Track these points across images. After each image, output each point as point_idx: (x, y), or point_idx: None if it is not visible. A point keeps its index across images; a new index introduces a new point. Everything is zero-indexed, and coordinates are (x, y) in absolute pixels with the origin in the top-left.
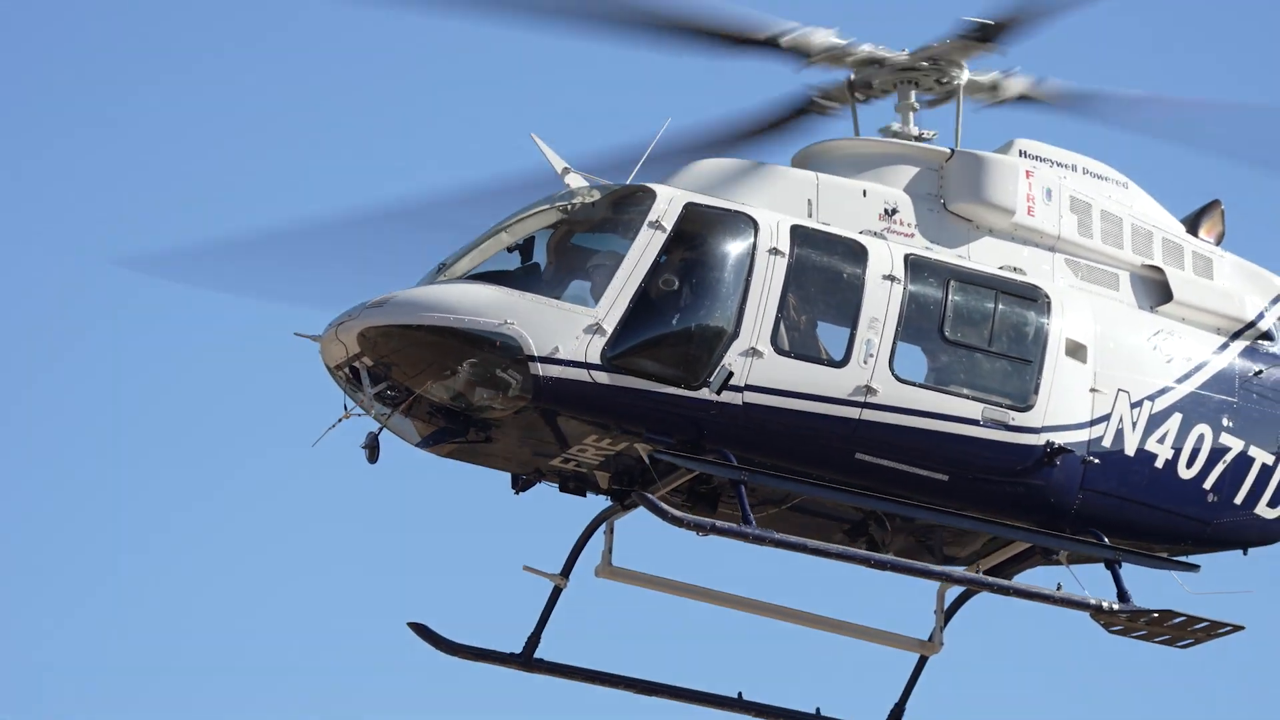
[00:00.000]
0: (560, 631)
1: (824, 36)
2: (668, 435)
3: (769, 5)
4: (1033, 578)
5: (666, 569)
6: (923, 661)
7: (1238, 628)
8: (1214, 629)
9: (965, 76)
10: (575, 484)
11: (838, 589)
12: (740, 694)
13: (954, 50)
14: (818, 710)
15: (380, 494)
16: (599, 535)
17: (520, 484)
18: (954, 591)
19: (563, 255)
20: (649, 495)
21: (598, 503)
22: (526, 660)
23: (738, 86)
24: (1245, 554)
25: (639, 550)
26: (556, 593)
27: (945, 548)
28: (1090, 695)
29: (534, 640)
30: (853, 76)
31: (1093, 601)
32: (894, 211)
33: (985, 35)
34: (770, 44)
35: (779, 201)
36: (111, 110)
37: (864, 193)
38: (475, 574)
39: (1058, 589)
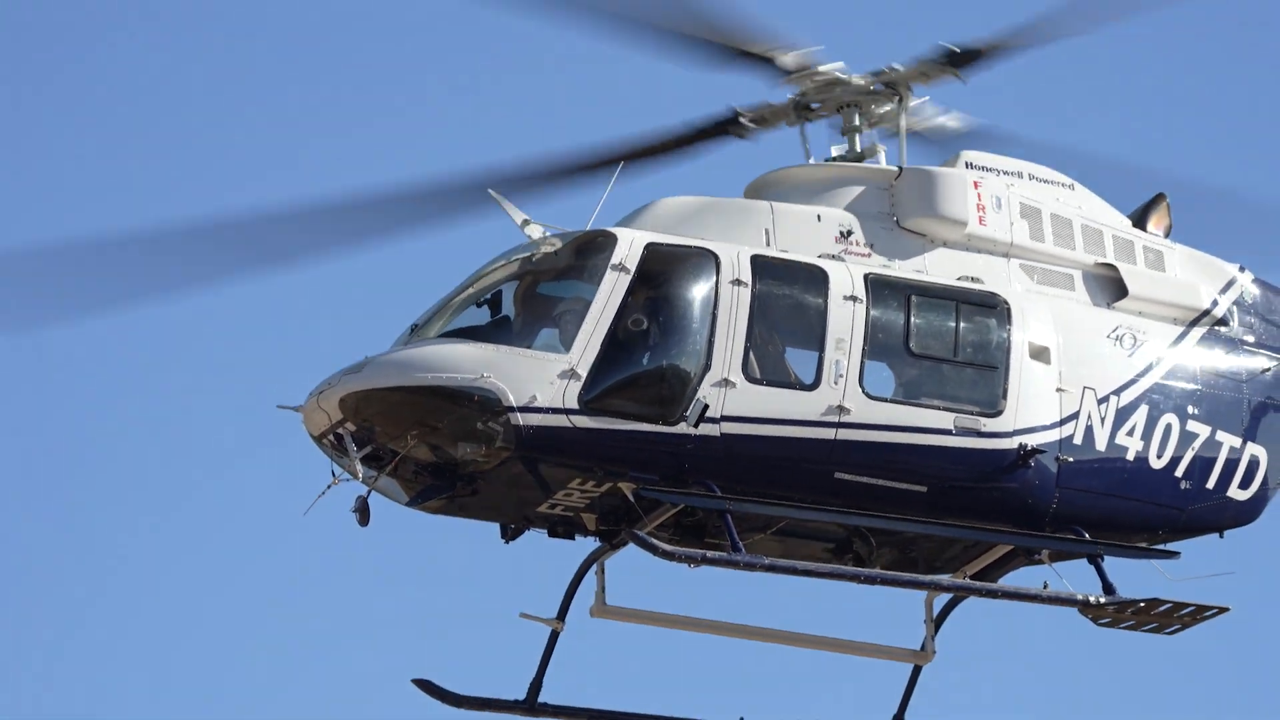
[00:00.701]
0: (562, 674)
1: (798, 54)
2: (650, 472)
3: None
4: (1019, 578)
5: (659, 603)
6: (917, 671)
7: (1223, 609)
8: (1200, 612)
9: (913, 100)
10: (564, 528)
11: (828, 606)
12: (742, 718)
13: (916, 74)
14: None
15: (374, 555)
16: (591, 576)
17: (509, 533)
18: (942, 599)
19: (531, 305)
20: (638, 533)
21: (587, 545)
22: (531, 705)
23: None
24: (1222, 537)
25: (630, 587)
26: (554, 636)
27: (930, 556)
28: (1085, 688)
29: (536, 685)
30: (802, 97)
31: (1079, 597)
32: (849, 233)
33: (954, 62)
34: (747, 56)
35: (737, 234)
36: None
37: (818, 217)
38: (473, 625)
39: (1044, 588)
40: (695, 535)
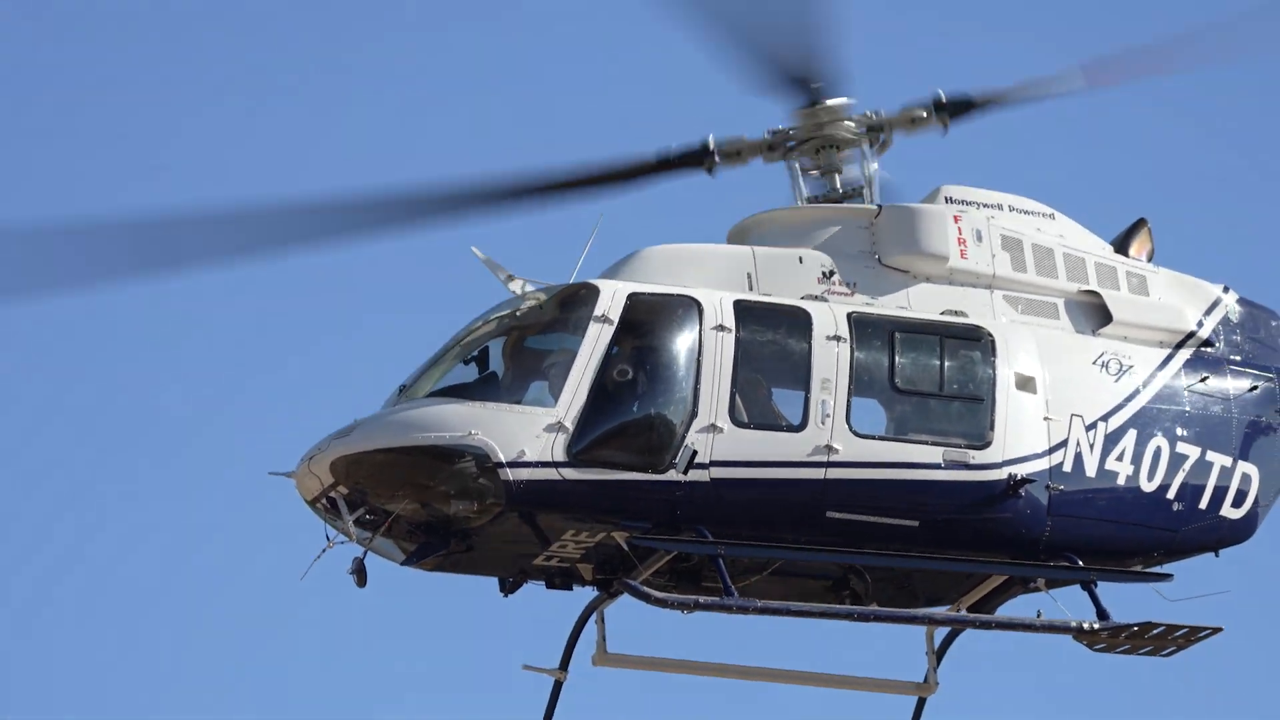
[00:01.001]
0: None
1: (710, 141)
2: (643, 520)
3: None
4: (1017, 605)
5: (663, 648)
6: (921, 703)
7: (1216, 630)
8: (1193, 634)
9: (857, 129)
10: (561, 579)
11: (831, 643)
12: None
13: (905, 121)
14: None
15: (375, 616)
16: (591, 625)
17: (508, 586)
18: (942, 630)
19: (518, 360)
20: (631, 582)
21: (586, 594)
22: None
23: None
24: (1217, 555)
25: (633, 633)
26: (558, 686)
27: (928, 588)
28: (1090, 711)
29: None
30: (788, 132)
31: (1073, 624)
32: (832, 273)
33: (947, 110)
34: (666, 164)
35: (720, 279)
36: None
37: (800, 259)
38: (477, 679)
39: (1038, 616)
40: (691, 580)
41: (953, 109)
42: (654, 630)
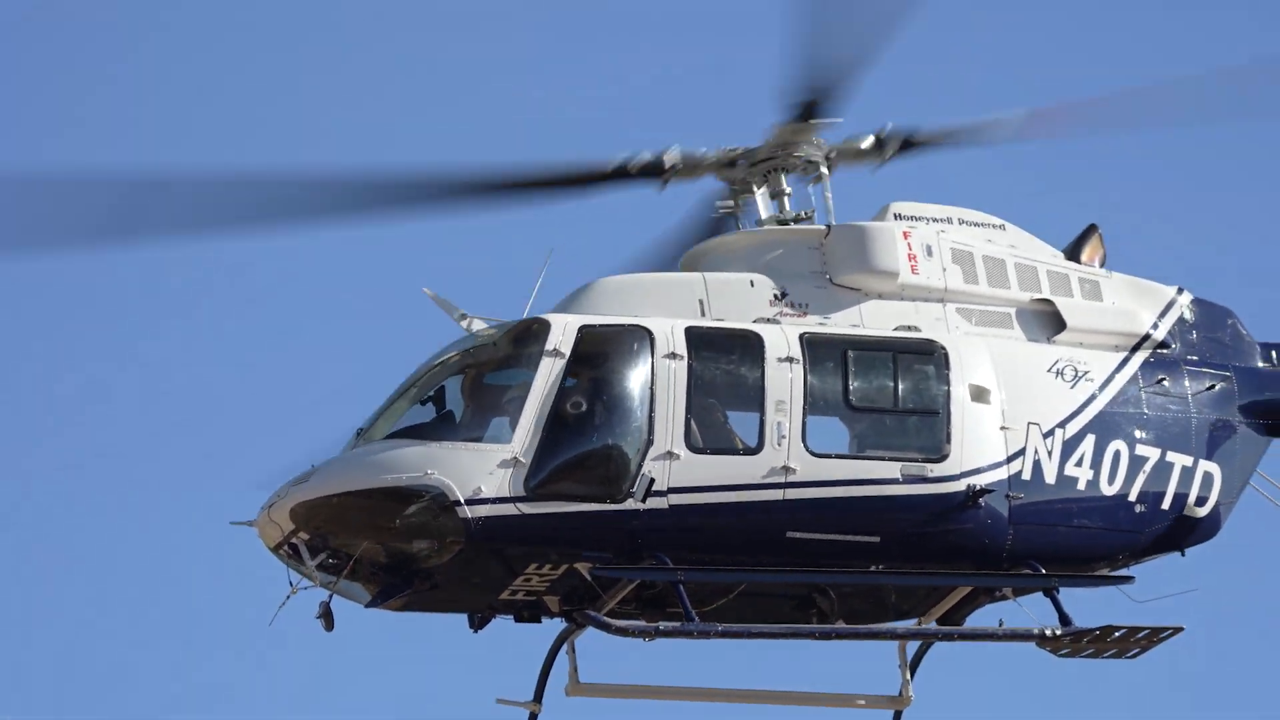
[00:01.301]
0: None
1: (671, 154)
2: (604, 550)
3: (603, 134)
4: (985, 614)
5: (637, 674)
6: (898, 716)
7: (1177, 630)
8: (1155, 635)
9: (822, 153)
10: (529, 612)
11: (807, 660)
12: None
13: (795, 132)
14: None
15: (345, 659)
16: (563, 656)
17: (477, 622)
18: (915, 643)
19: (475, 398)
20: (591, 613)
21: (557, 625)
22: None
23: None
24: (1184, 555)
25: (611, 660)
26: (533, 719)
27: (896, 602)
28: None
29: None
30: (725, 178)
31: (1036, 631)
32: (784, 295)
33: (809, 112)
34: (622, 174)
35: (672, 307)
36: None
37: (751, 283)
38: (451, 715)
39: (1000, 626)
40: (658, 606)
41: (898, 145)
42: (631, 657)
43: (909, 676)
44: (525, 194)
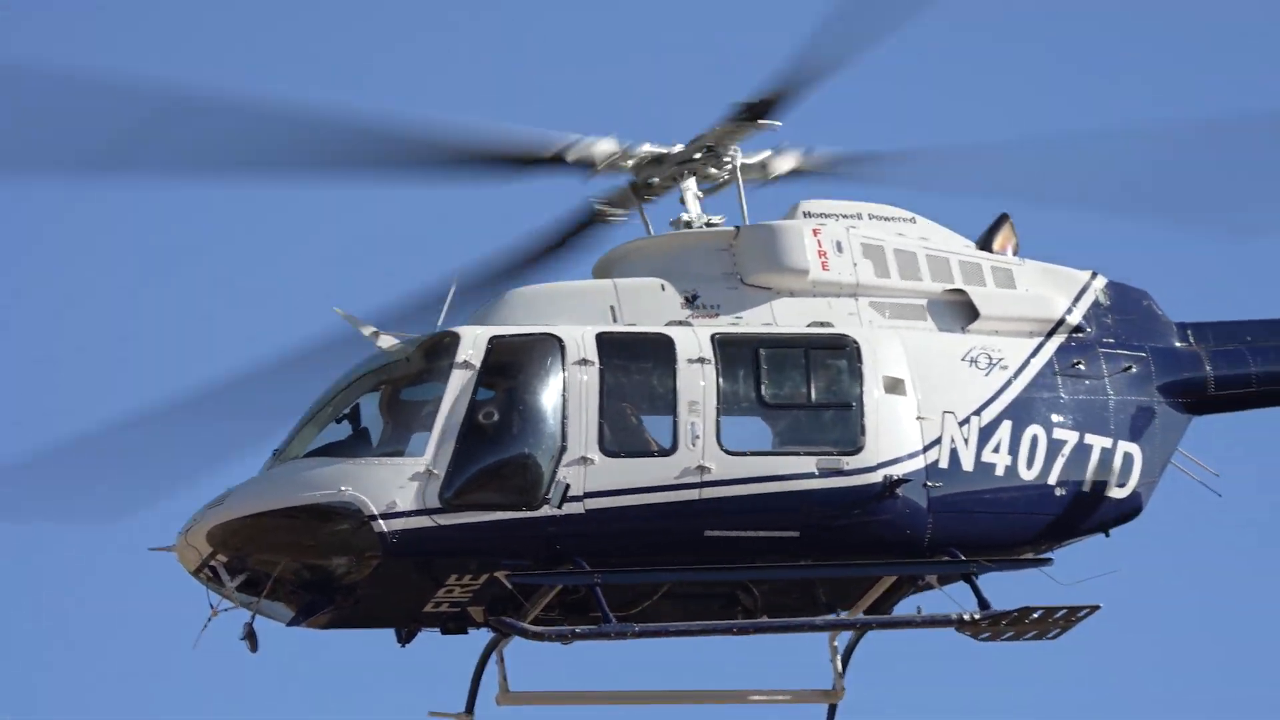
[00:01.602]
0: None
1: (605, 145)
2: (523, 558)
3: (538, 118)
4: (910, 605)
5: (569, 681)
6: (833, 710)
7: (1094, 608)
8: (1073, 614)
9: (740, 157)
10: (454, 624)
11: (743, 661)
12: None
13: (727, 134)
14: None
15: (272, 680)
16: (493, 665)
17: (403, 636)
18: (845, 636)
19: (390, 414)
20: (508, 619)
21: (484, 635)
22: None
23: (522, 208)
24: (1108, 536)
25: (541, 668)
26: None
27: (822, 596)
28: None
29: None
30: (635, 179)
31: (954, 616)
32: (695, 298)
33: (754, 114)
34: (556, 160)
35: (584, 315)
36: None
37: (662, 287)
38: None
39: (918, 613)
40: (581, 612)
41: (759, 108)
42: (564, 665)
43: (840, 670)
44: (455, 168)
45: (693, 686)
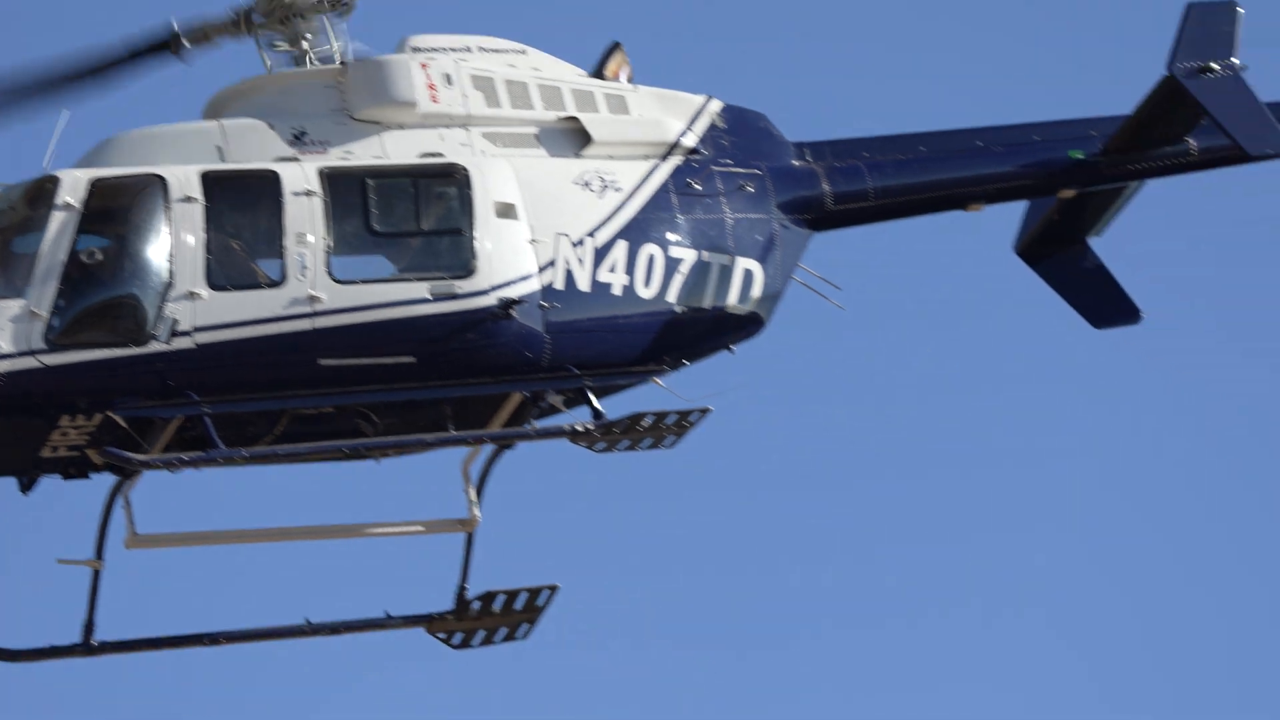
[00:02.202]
0: (112, 610)
1: (172, 26)
2: (135, 396)
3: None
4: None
5: (200, 522)
6: (470, 539)
7: (705, 410)
8: (684, 418)
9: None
10: (75, 469)
11: (376, 494)
12: (307, 619)
13: None
14: (386, 614)
15: None
16: (119, 509)
17: (25, 484)
18: (478, 464)
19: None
20: (113, 449)
21: (108, 479)
22: (89, 646)
23: None
24: (732, 352)
25: (174, 511)
26: (97, 575)
27: (446, 422)
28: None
29: (89, 625)
30: (251, 9)
31: (566, 427)
32: (303, 134)
33: None
34: (136, 56)
35: (190, 157)
36: None
37: (270, 125)
38: (11, 580)
39: (531, 426)
40: (204, 446)
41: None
42: (197, 507)
43: (475, 498)
44: (40, 94)
45: (325, 522)
